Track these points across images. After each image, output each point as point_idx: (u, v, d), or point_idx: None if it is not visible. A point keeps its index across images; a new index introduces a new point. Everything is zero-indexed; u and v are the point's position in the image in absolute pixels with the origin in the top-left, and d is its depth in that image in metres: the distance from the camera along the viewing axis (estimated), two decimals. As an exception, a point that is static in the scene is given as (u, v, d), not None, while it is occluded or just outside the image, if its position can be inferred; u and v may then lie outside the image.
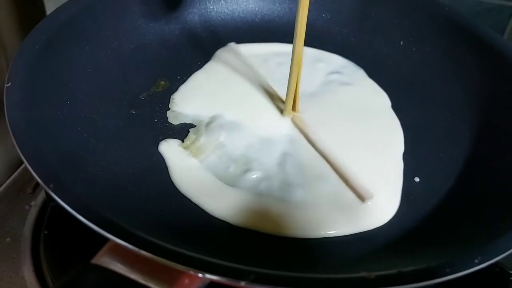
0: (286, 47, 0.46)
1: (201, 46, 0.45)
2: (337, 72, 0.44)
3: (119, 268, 0.23)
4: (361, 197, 0.33)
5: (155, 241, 0.22)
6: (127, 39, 0.42)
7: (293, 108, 0.38)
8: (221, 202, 0.32)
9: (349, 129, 0.38)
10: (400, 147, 0.37)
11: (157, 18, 0.44)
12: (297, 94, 0.37)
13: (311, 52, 0.46)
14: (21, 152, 0.26)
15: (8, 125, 0.28)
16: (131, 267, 0.23)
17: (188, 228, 0.31)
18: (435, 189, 0.34)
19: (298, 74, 0.36)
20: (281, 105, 0.39)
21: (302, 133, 0.37)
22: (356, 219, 0.31)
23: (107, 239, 0.23)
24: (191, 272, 0.22)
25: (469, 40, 0.41)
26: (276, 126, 0.38)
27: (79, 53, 0.38)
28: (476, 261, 0.23)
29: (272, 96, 0.40)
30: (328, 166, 0.35)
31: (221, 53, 0.44)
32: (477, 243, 0.25)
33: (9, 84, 0.31)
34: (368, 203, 0.32)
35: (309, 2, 0.47)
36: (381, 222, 0.32)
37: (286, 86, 0.40)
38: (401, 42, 0.45)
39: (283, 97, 0.38)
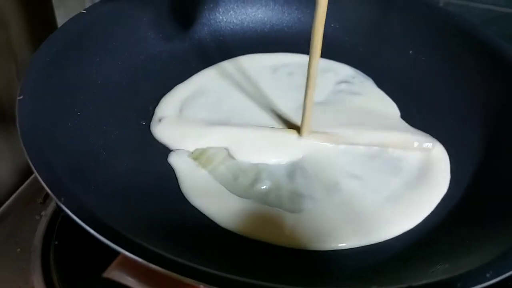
0: (295, 57, 0.46)
1: (210, 56, 0.45)
2: (346, 82, 0.44)
3: (130, 281, 0.23)
4: (427, 149, 0.36)
5: (166, 255, 0.22)
6: (137, 50, 0.42)
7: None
8: (230, 213, 0.32)
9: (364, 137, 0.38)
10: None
11: (167, 28, 0.44)
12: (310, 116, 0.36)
13: (319, 62, 0.46)
14: (33, 165, 0.26)
15: (20, 138, 0.28)
16: (142, 281, 0.23)
17: (198, 239, 0.31)
18: (445, 199, 0.34)
19: (312, 98, 0.36)
20: (293, 118, 0.39)
21: (331, 141, 0.37)
22: (370, 229, 0.31)
23: (118, 252, 0.23)
24: (201, 286, 0.22)
25: (478, 49, 0.41)
26: (293, 146, 0.37)
27: (89, 64, 0.38)
28: (488, 275, 0.23)
29: (283, 109, 0.40)
30: (339, 176, 0.35)
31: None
32: (489, 256, 0.25)
33: (21, 97, 0.31)
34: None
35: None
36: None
37: (296, 98, 0.40)
38: (410, 52, 0.45)
39: (294, 110, 0.39)
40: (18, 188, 0.47)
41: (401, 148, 0.37)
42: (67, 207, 0.25)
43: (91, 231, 0.23)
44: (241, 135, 0.37)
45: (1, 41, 0.59)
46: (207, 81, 0.43)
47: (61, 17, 0.65)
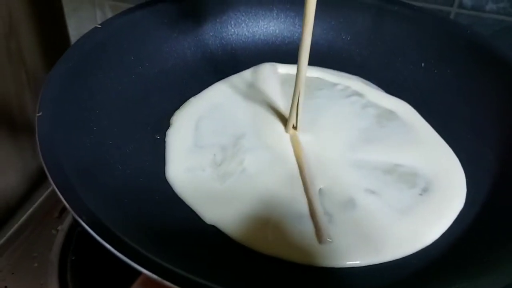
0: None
1: (222, 68, 0.45)
2: (358, 94, 0.44)
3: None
4: None
5: (191, 277, 0.22)
6: (150, 63, 0.43)
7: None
8: (244, 227, 0.32)
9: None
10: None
11: (179, 42, 0.45)
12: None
13: (330, 74, 0.46)
14: (55, 185, 0.26)
15: (41, 157, 0.28)
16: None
17: (214, 256, 0.31)
18: (461, 215, 0.34)
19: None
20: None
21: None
22: (386, 246, 0.31)
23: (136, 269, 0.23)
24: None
25: (491, 63, 0.41)
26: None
27: (104, 79, 0.38)
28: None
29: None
30: (354, 191, 0.35)
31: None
32: (509, 276, 0.25)
33: (40, 114, 0.31)
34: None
35: (328, 22, 0.48)
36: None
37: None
38: (422, 64, 0.45)
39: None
40: (27, 195, 0.48)
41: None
42: (89, 226, 0.25)
43: (116, 252, 0.23)
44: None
45: (12, 50, 0.59)
46: (220, 94, 0.43)
47: (73, 27, 0.65)
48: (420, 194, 0.35)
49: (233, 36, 0.48)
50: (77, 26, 0.65)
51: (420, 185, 0.35)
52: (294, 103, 0.38)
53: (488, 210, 0.33)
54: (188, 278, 0.22)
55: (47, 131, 0.30)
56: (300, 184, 0.35)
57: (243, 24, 0.48)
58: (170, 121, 0.40)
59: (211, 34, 0.47)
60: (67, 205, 0.26)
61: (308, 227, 0.32)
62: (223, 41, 0.47)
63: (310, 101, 0.42)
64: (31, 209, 0.41)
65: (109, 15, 0.61)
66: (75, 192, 0.27)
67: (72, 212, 0.26)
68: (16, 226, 0.39)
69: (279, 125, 0.40)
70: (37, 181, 0.62)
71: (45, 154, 0.29)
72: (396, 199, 0.34)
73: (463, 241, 0.31)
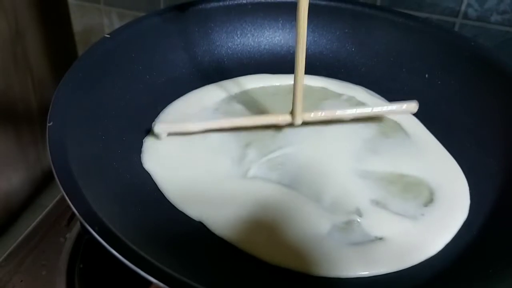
0: (309, 79, 0.47)
1: (229, 77, 0.46)
2: (362, 104, 0.45)
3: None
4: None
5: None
6: (158, 73, 0.43)
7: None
8: (246, 235, 0.32)
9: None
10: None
11: (186, 51, 0.45)
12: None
13: (335, 84, 0.47)
14: (67, 196, 0.27)
15: (52, 167, 0.28)
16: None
17: (221, 266, 0.31)
18: (465, 226, 0.34)
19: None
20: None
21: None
22: (391, 257, 0.31)
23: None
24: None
25: (495, 74, 0.41)
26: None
27: (112, 88, 0.39)
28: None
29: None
30: (359, 201, 0.35)
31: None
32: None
33: (51, 124, 0.32)
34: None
35: (333, 33, 0.49)
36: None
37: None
38: (426, 75, 0.45)
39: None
40: (31, 199, 0.48)
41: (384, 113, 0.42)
42: (101, 237, 0.25)
43: (131, 264, 0.23)
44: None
45: (17, 54, 0.60)
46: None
47: (79, 33, 0.66)
48: (425, 205, 0.35)
49: (239, 46, 0.48)
50: (83, 33, 0.65)
51: (425, 196, 0.36)
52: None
53: (492, 221, 0.33)
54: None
55: (58, 140, 0.31)
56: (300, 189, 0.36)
57: (249, 34, 0.48)
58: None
59: (217, 43, 0.47)
60: (78, 216, 0.26)
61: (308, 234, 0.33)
62: (229, 50, 0.48)
63: (315, 111, 0.43)
64: (39, 217, 0.41)
65: (116, 22, 0.62)
66: (86, 202, 0.27)
67: (84, 222, 0.26)
68: (24, 234, 0.39)
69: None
70: (41, 186, 0.62)
71: (56, 164, 0.29)
72: (401, 210, 0.34)
73: (467, 252, 0.31)
